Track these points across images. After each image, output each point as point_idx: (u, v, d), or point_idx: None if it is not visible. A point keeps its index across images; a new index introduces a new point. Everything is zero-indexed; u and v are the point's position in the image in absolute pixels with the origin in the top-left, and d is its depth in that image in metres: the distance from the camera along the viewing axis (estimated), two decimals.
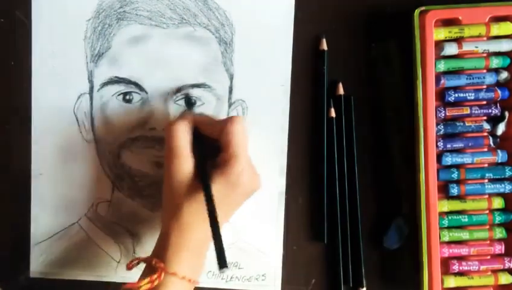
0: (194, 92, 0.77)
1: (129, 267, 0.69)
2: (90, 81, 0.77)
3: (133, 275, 0.77)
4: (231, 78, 0.78)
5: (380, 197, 0.78)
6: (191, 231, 0.68)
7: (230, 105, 0.78)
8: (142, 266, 0.69)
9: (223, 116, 0.78)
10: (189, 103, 0.77)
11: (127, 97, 0.77)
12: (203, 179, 0.68)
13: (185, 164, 0.69)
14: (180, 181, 0.68)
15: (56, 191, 0.78)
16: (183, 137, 0.69)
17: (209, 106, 0.78)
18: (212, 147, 0.70)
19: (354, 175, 0.78)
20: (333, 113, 0.78)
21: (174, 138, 0.69)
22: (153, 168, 0.78)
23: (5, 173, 0.79)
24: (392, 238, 0.78)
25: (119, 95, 0.77)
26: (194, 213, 0.67)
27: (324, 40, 0.78)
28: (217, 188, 0.67)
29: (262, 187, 0.71)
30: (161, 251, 0.68)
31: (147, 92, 0.77)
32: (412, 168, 0.77)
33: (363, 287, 0.77)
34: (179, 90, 0.77)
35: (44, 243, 0.79)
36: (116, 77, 0.77)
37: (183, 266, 0.67)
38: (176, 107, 0.77)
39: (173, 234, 0.68)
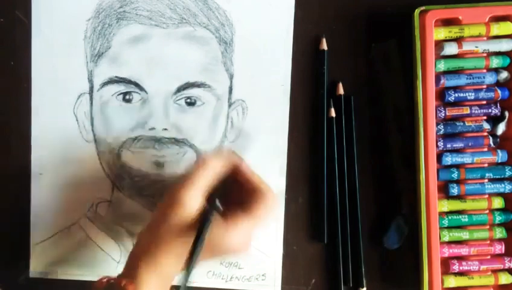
0: (194, 92, 0.77)
1: (98, 285, 0.66)
2: (90, 81, 0.77)
3: None
4: (231, 78, 0.78)
5: (380, 197, 0.78)
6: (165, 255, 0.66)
7: (230, 105, 0.78)
8: None
9: (223, 115, 0.78)
10: (189, 102, 0.77)
11: (127, 97, 0.77)
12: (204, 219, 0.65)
13: (195, 198, 0.66)
14: (181, 212, 0.65)
15: (56, 191, 0.78)
16: (208, 174, 0.66)
17: (209, 106, 0.78)
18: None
19: (354, 175, 0.78)
20: (333, 113, 0.78)
21: (201, 170, 0.66)
22: (153, 168, 0.78)
23: (5, 172, 0.79)
24: (392, 238, 0.78)
25: (119, 94, 0.77)
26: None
27: (324, 40, 0.78)
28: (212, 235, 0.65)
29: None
30: (131, 272, 0.66)
31: (146, 92, 0.77)
32: (412, 168, 0.77)
33: (363, 287, 0.77)
34: (179, 90, 0.77)
35: (44, 243, 0.79)
36: (116, 76, 0.77)
37: (152, 288, 0.65)
38: (176, 106, 0.77)
39: (146, 255, 0.66)
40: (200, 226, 0.64)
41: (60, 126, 0.78)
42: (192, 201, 0.65)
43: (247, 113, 0.78)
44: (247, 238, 0.67)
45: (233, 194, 0.68)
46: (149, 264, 0.65)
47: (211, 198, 0.67)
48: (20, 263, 0.79)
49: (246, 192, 0.68)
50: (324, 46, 0.77)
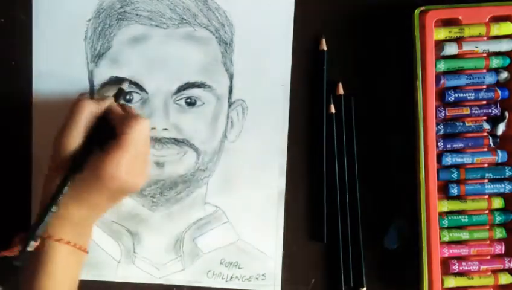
0: (194, 92, 0.77)
1: (15, 243, 0.70)
2: (91, 81, 0.77)
3: (134, 274, 0.77)
4: (231, 78, 0.78)
5: (380, 197, 0.78)
6: (67, 204, 0.69)
7: (230, 105, 0.78)
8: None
9: (223, 115, 0.78)
10: (189, 103, 0.77)
11: (128, 97, 0.77)
12: (75, 158, 0.69)
13: (73, 141, 0.70)
14: (62, 155, 0.69)
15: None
16: (84, 117, 0.70)
17: (209, 106, 0.78)
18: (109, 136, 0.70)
19: (354, 175, 0.78)
20: (333, 109, 0.78)
21: (76, 114, 0.70)
22: (153, 168, 0.77)
23: (6, 172, 0.79)
24: (391, 238, 0.78)
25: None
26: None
27: (324, 40, 0.78)
28: (86, 172, 0.69)
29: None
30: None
31: (147, 92, 0.77)
32: (412, 168, 0.77)
33: (363, 287, 0.78)
34: (179, 90, 0.77)
35: None
36: (116, 77, 0.77)
37: (67, 233, 0.69)
38: (176, 107, 0.77)
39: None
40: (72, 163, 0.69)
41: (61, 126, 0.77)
42: (71, 143, 0.69)
43: (247, 113, 0.78)
44: (133, 169, 0.69)
45: (108, 134, 0.71)
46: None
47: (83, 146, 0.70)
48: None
49: (118, 129, 0.70)
50: (324, 46, 0.77)
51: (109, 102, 0.72)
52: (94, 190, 0.69)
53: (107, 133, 0.70)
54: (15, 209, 0.79)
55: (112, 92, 0.76)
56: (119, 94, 0.75)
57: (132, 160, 0.69)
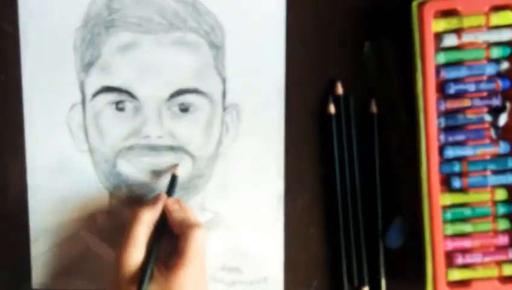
0: (187, 98, 0.76)
1: None
2: (82, 91, 0.77)
3: None
4: (224, 82, 0.77)
5: (381, 196, 0.78)
6: None
7: (224, 109, 0.77)
8: None
9: (217, 120, 0.77)
10: (183, 109, 0.77)
11: (120, 106, 0.76)
12: (143, 270, 0.70)
13: (137, 254, 0.70)
14: (128, 270, 0.70)
15: (53, 203, 0.78)
16: (143, 229, 0.71)
17: (203, 112, 0.77)
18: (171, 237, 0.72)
19: (354, 174, 0.78)
20: (333, 110, 0.77)
21: (135, 227, 0.71)
22: (149, 176, 0.77)
23: (2, 185, 0.78)
24: (393, 237, 0.78)
25: (111, 104, 0.76)
26: None
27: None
28: (154, 287, 0.69)
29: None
30: None
31: (139, 100, 0.76)
32: (412, 166, 0.76)
33: (365, 285, 0.78)
34: (171, 96, 0.76)
35: (44, 255, 0.79)
36: (107, 86, 0.76)
37: None
38: (169, 113, 0.76)
39: None
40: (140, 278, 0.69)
41: (54, 138, 0.77)
42: (133, 259, 0.70)
43: (242, 117, 0.77)
44: (197, 281, 0.70)
45: (171, 238, 0.72)
46: None
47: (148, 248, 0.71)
48: (20, 275, 0.79)
49: (176, 231, 0.72)
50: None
51: (163, 201, 0.73)
52: None
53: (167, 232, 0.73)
54: (13, 222, 0.79)
55: (164, 179, 0.77)
56: (172, 186, 0.76)
57: (195, 274, 0.69)
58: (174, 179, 0.76)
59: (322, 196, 0.78)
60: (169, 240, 0.72)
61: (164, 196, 0.74)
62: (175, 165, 0.77)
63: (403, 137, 0.77)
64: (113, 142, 0.77)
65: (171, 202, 0.74)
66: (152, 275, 0.69)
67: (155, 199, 0.74)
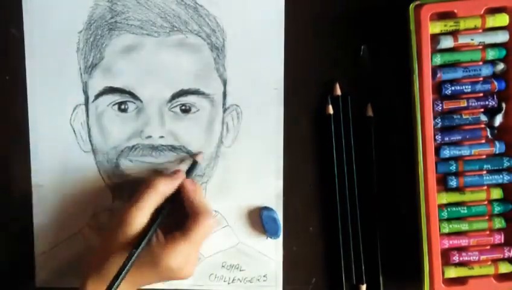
0: (189, 99, 0.77)
1: None
2: (85, 93, 0.78)
3: None
4: (224, 83, 0.78)
5: (378, 195, 0.79)
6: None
7: (225, 110, 0.78)
8: None
9: (218, 121, 0.78)
10: (184, 110, 0.78)
11: (122, 106, 0.77)
12: (143, 234, 0.71)
13: (141, 218, 0.71)
14: (126, 232, 0.71)
15: (57, 202, 0.79)
16: (156, 198, 0.72)
17: (204, 112, 0.78)
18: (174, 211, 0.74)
19: (352, 174, 0.78)
20: (331, 110, 0.78)
21: (149, 194, 0.72)
22: (152, 176, 0.77)
23: (6, 185, 0.79)
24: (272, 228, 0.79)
25: (114, 104, 0.77)
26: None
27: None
28: (145, 254, 0.70)
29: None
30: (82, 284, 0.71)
31: (141, 101, 0.77)
32: (409, 165, 0.77)
33: (363, 283, 0.79)
34: (173, 97, 0.77)
35: (48, 253, 0.79)
36: (110, 87, 0.77)
37: None
38: (171, 114, 0.77)
39: (97, 269, 0.71)
40: (137, 241, 0.70)
41: (58, 138, 0.78)
42: (138, 221, 0.71)
43: (242, 117, 0.78)
44: (189, 261, 0.72)
45: (175, 212, 0.74)
46: (99, 278, 0.70)
47: (154, 216, 0.73)
48: (24, 274, 0.80)
49: (186, 212, 0.74)
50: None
51: (181, 179, 0.75)
52: (146, 272, 0.71)
53: (174, 207, 0.74)
54: (17, 221, 0.80)
55: (185, 165, 0.78)
56: (192, 169, 0.77)
57: (191, 253, 0.72)
58: (194, 164, 0.77)
59: (321, 195, 0.79)
60: (173, 213, 0.74)
61: (183, 174, 0.75)
62: (199, 153, 0.78)
63: (400, 137, 0.78)
64: (115, 142, 0.78)
65: (189, 182, 0.75)
66: (149, 241, 0.71)
67: (174, 174, 0.75)
